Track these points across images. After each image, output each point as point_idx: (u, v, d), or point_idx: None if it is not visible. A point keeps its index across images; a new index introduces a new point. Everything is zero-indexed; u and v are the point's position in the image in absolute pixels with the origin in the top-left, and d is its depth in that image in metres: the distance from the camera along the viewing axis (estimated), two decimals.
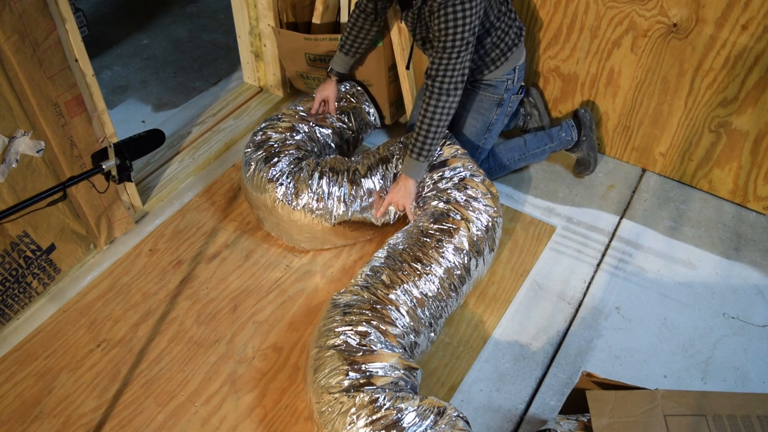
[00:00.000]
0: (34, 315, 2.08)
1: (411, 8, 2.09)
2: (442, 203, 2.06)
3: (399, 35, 2.43)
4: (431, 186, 2.14)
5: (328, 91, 2.40)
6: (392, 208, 2.19)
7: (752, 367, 1.99)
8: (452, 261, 1.94)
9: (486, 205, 2.05)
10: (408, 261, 1.91)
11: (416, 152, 2.05)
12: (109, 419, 1.82)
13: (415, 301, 1.85)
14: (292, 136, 2.26)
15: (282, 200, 2.11)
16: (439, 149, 2.18)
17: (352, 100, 2.51)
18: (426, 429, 1.52)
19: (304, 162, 2.18)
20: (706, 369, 1.99)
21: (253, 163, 2.18)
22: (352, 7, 2.57)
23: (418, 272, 1.89)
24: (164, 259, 2.25)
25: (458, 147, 2.19)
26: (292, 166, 2.15)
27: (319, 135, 2.36)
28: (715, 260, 2.31)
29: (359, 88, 2.57)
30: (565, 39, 2.50)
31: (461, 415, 1.58)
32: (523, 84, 2.40)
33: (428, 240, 1.96)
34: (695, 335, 2.07)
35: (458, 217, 2.01)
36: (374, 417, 1.52)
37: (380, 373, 1.62)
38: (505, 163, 2.49)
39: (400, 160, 2.18)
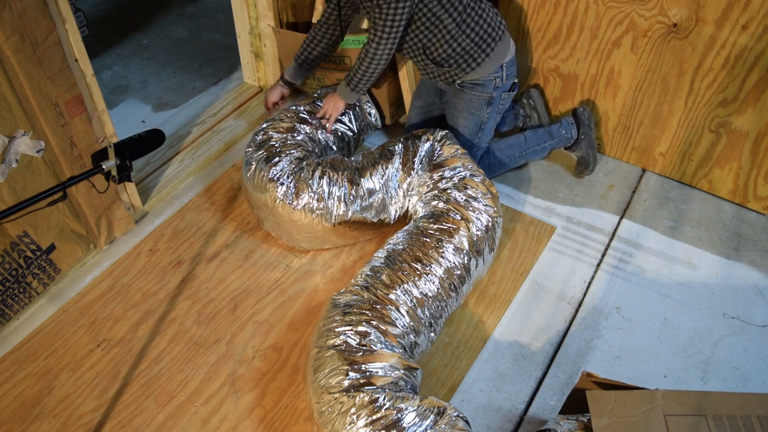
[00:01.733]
0: (34, 315, 2.08)
1: None
2: (442, 203, 2.06)
3: None
4: (431, 186, 2.14)
5: (270, 91, 2.48)
6: (392, 210, 2.20)
7: (752, 367, 1.99)
8: (452, 261, 1.94)
9: (486, 205, 2.05)
10: (408, 261, 1.91)
11: (351, 84, 2.24)
12: (109, 419, 1.82)
13: (415, 301, 1.85)
14: (293, 137, 2.26)
15: (282, 200, 2.11)
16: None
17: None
18: (426, 429, 1.52)
19: (305, 162, 2.18)
20: (706, 369, 1.99)
21: (253, 163, 2.18)
22: None
23: (418, 272, 1.89)
24: (164, 259, 2.25)
25: (458, 147, 2.19)
26: (292, 166, 2.15)
27: (320, 136, 2.36)
28: (715, 260, 2.31)
29: None
30: (565, 39, 2.50)
31: (461, 415, 1.58)
32: (516, 81, 2.37)
33: (428, 240, 1.96)
34: (695, 335, 2.07)
35: (458, 217, 2.01)
36: (374, 417, 1.52)
37: (380, 373, 1.62)
38: (504, 160, 2.49)
39: (401, 159, 2.18)
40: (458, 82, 2.27)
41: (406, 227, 2.07)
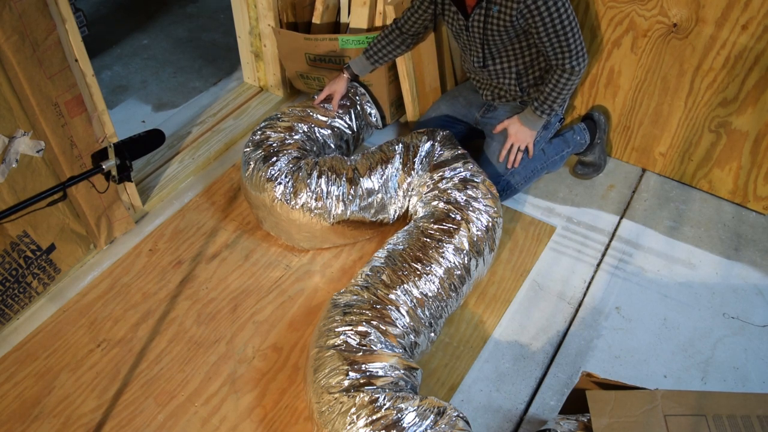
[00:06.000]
0: (34, 315, 2.08)
1: (477, 11, 2.08)
2: (442, 203, 2.06)
3: None
4: (431, 186, 2.14)
5: (336, 86, 2.42)
6: (392, 210, 2.20)
7: (752, 367, 1.99)
8: (452, 261, 1.94)
9: (486, 206, 2.05)
10: (408, 261, 1.91)
11: (541, 109, 2.21)
12: (109, 419, 1.82)
13: (415, 301, 1.85)
14: (291, 136, 2.26)
15: (281, 199, 2.11)
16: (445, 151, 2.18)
17: (355, 99, 2.52)
18: (426, 429, 1.52)
19: (303, 161, 2.18)
20: (706, 369, 1.99)
21: (252, 163, 2.18)
22: (353, 6, 2.58)
23: (418, 272, 1.89)
24: (164, 259, 2.25)
25: (459, 147, 2.19)
26: (290, 166, 2.15)
27: (318, 135, 2.36)
28: (715, 260, 2.31)
29: (361, 88, 2.57)
30: None
31: (461, 415, 1.58)
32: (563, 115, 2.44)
33: (428, 240, 1.96)
34: (695, 335, 2.07)
35: (458, 217, 2.01)
36: (374, 417, 1.53)
37: (380, 373, 1.62)
38: (527, 174, 2.44)
39: (401, 159, 2.18)
40: (526, 100, 2.31)
41: (406, 227, 2.07)
